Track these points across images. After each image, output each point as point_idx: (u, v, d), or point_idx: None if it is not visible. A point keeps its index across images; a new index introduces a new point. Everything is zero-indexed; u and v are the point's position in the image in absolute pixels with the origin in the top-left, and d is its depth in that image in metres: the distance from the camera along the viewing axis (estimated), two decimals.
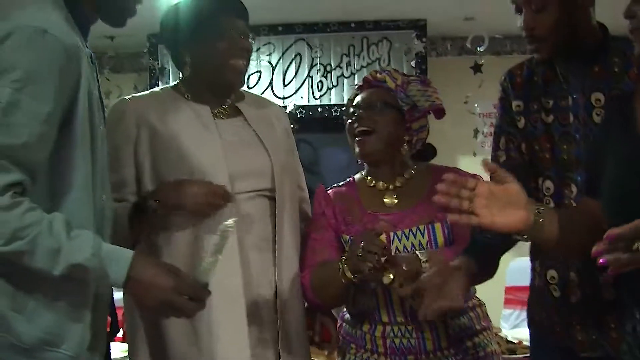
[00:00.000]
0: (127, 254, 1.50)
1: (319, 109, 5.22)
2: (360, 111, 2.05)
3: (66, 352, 1.48)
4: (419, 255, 1.88)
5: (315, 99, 5.25)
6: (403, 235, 1.99)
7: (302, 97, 5.24)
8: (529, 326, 2.05)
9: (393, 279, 1.83)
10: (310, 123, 5.12)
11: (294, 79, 5.24)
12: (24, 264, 1.41)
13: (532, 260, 1.99)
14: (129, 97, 2.08)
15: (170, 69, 5.23)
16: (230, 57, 1.98)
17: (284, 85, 5.22)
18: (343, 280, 1.90)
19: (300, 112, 5.17)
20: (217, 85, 2.04)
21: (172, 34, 2.06)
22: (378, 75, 2.12)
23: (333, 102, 5.22)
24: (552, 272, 1.89)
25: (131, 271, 1.47)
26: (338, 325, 2.15)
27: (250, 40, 2.05)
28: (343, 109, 2.24)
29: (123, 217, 1.88)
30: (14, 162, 1.38)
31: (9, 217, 1.38)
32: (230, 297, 1.88)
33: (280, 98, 5.18)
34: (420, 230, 1.99)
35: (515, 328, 4.77)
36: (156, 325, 1.93)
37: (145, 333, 1.96)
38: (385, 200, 2.06)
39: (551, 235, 1.52)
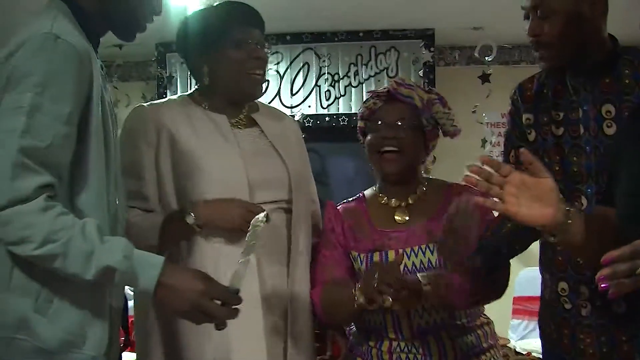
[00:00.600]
0: (158, 259, 1.51)
1: (327, 118, 5.22)
2: (388, 129, 2.02)
3: (88, 353, 1.51)
4: (420, 278, 1.87)
5: (323, 108, 5.25)
6: (412, 252, 1.98)
7: (309, 107, 5.24)
8: (541, 338, 2.03)
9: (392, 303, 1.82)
10: (318, 132, 5.10)
11: (302, 88, 5.25)
12: (57, 267, 1.43)
13: (543, 272, 1.98)
14: (147, 104, 2.08)
15: (179, 78, 5.25)
16: (247, 68, 1.98)
17: (292, 95, 5.23)
18: (355, 306, 1.88)
19: (308, 122, 5.17)
20: (234, 95, 2.03)
21: (188, 44, 2.06)
22: (403, 89, 2.06)
23: (341, 111, 5.22)
24: (562, 284, 1.88)
25: (162, 276, 1.48)
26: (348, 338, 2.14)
27: (266, 49, 2.04)
28: (356, 117, 2.19)
29: (154, 229, 1.89)
30: (42, 164, 1.42)
31: (42, 220, 1.40)
32: (247, 304, 1.87)
33: (287, 107, 5.18)
34: (429, 248, 1.98)
35: (523, 339, 4.75)
36: (170, 330, 1.93)
37: (160, 337, 1.95)
38: (396, 217, 2.05)
39: (576, 238, 1.49)
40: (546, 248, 1.94)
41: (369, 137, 2.07)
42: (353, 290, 1.89)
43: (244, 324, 1.84)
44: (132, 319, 2.05)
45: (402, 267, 1.92)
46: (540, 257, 1.98)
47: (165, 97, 5.07)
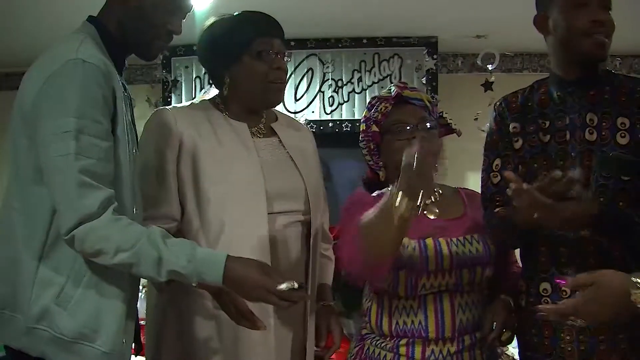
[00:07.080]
0: (221, 257, 1.63)
1: (330, 124, 5.24)
2: (414, 132, 2.02)
3: (100, 348, 1.61)
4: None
5: (327, 113, 5.27)
6: (459, 242, 2.00)
7: (313, 112, 5.26)
8: (519, 346, 2.07)
9: None
10: (321, 138, 5.00)
11: (306, 94, 5.27)
12: (134, 273, 1.59)
13: (522, 278, 2.03)
14: (170, 107, 2.08)
15: (183, 82, 5.28)
16: (269, 78, 2.00)
17: (296, 100, 5.25)
18: (396, 219, 1.69)
19: (311, 127, 5.18)
20: (255, 103, 2.05)
21: (208, 53, 2.07)
22: (409, 92, 2.09)
23: (344, 117, 5.24)
24: (545, 285, 1.95)
25: (226, 272, 1.61)
26: (357, 346, 2.12)
27: (286, 58, 2.05)
28: (359, 124, 2.18)
29: None
30: (98, 179, 1.55)
31: (111, 232, 1.55)
32: (259, 315, 1.88)
33: (291, 112, 5.19)
34: (475, 238, 2.02)
35: None
36: (181, 335, 1.96)
37: (171, 342, 1.98)
38: (426, 213, 2.04)
39: None
40: (528, 251, 2.00)
41: (393, 142, 2.04)
42: (393, 196, 1.70)
43: (255, 334, 1.87)
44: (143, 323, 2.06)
45: (448, 254, 1.96)
46: (522, 262, 2.03)
47: (170, 100, 5.18)
